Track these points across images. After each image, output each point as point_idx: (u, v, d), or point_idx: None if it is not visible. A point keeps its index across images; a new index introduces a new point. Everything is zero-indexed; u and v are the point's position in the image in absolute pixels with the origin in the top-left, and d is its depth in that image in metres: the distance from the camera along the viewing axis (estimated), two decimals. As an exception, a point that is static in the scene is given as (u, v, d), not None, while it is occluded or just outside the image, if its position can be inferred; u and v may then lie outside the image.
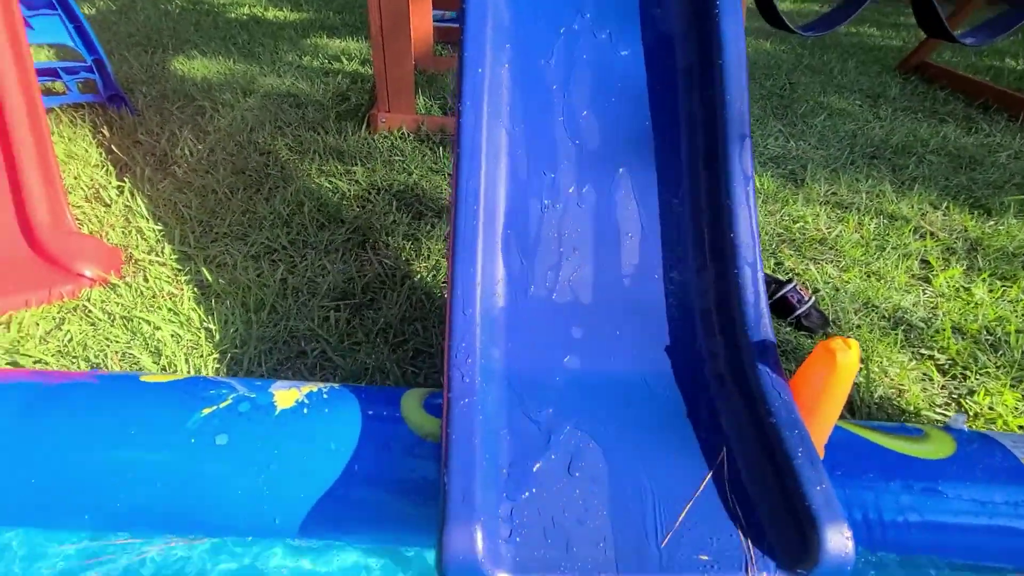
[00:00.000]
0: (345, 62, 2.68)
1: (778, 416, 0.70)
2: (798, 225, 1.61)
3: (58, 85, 1.94)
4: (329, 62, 2.68)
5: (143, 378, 0.83)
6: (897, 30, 4.15)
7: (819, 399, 0.71)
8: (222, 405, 0.77)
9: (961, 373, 1.15)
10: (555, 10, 0.97)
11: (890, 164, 2.02)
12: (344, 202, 1.54)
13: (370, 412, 0.79)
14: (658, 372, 0.82)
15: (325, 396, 0.81)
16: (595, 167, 0.92)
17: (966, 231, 1.64)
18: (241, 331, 1.11)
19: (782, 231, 1.58)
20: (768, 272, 1.38)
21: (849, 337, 0.78)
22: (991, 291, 1.38)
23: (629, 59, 0.94)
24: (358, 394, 0.82)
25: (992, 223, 1.68)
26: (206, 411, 0.76)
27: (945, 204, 1.77)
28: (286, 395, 0.80)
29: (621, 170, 0.92)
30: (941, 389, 1.12)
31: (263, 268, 1.27)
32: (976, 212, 1.74)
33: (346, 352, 1.08)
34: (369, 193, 1.59)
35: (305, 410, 0.78)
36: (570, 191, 0.91)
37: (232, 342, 1.08)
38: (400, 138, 1.91)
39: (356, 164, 1.73)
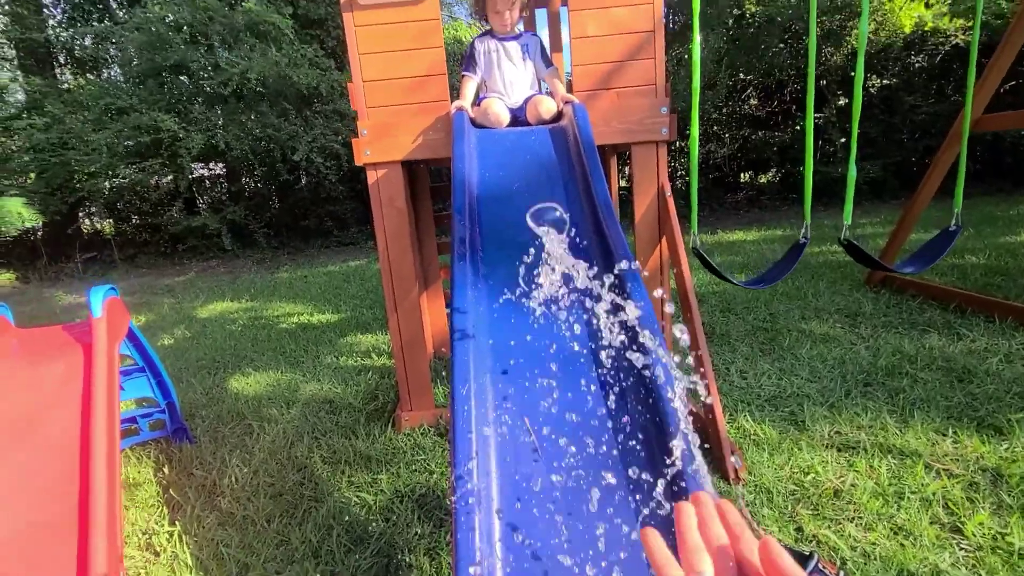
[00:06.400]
0: (375, 358, 3.09)
1: None
2: (809, 478, 1.63)
3: (132, 427, 2.27)
4: (361, 359, 3.09)
5: None
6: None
7: None
8: None
9: (1033, 658, 1.04)
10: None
11: (885, 389, 2.11)
12: (370, 517, 1.65)
13: None
14: None
15: None
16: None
17: (981, 459, 1.63)
18: None
19: (795, 488, 1.59)
20: (788, 543, 1.36)
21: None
22: (1031, 536, 1.32)
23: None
24: None
25: (1006, 446, 1.67)
26: None
27: (952, 429, 1.79)
28: None
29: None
30: None
31: (291, 613, 1.31)
32: (986, 435, 1.74)
33: None
34: (393, 503, 1.70)
35: None
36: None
37: None
38: (422, 434, 2.10)
39: (382, 470, 1.88)
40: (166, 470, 2.05)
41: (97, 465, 1.39)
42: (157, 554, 1.59)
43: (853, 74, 2.20)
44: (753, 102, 8.18)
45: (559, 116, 1.86)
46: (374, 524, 1.61)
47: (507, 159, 1.69)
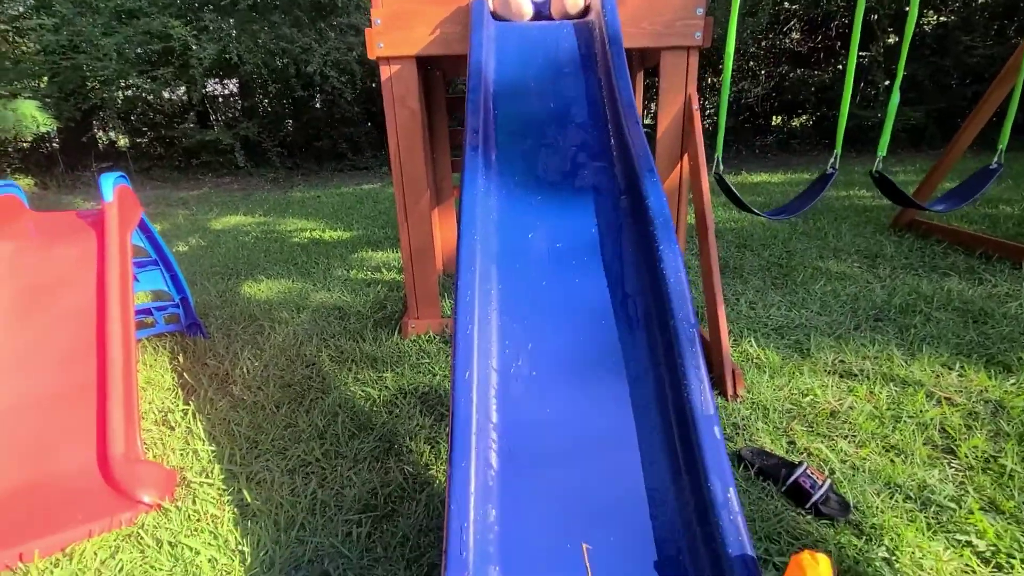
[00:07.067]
0: (385, 272, 3.11)
1: None
2: (807, 399, 1.64)
3: (148, 319, 2.34)
4: (371, 273, 3.11)
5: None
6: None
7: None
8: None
9: (1007, 561, 1.07)
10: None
11: (896, 325, 2.08)
12: (374, 409, 1.70)
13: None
14: None
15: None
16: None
17: (985, 392, 1.62)
18: (270, 552, 1.18)
19: (791, 407, 1.61)
20: (779, 454, 1.39)
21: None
22: (1023, 460, 1.33)
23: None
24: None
25: (1013, 381, 1.66)
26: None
27: (959, 364, 1.77)
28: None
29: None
30: (988, 584, 1.04)
31: (297, 483, 1.39)
32: (994, 370, 1.73)
33: (365, 569, 1.13)
34: (397, 398, 1.76)
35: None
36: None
37: (262, 565, 1.15)
38: (427, 341, 2.14)
39: (387, 370, 1.93)
40: (181, 359, 2.13)
41: (113, 335, 1.43)
42: (172, 428, 1.67)
43: (908, 8, 2.01)
44: (795, 36, 7.64)
45: (586, 12, 1.74)
46: (377, 415, 1.67)
47: (527, 54, 1.60)
